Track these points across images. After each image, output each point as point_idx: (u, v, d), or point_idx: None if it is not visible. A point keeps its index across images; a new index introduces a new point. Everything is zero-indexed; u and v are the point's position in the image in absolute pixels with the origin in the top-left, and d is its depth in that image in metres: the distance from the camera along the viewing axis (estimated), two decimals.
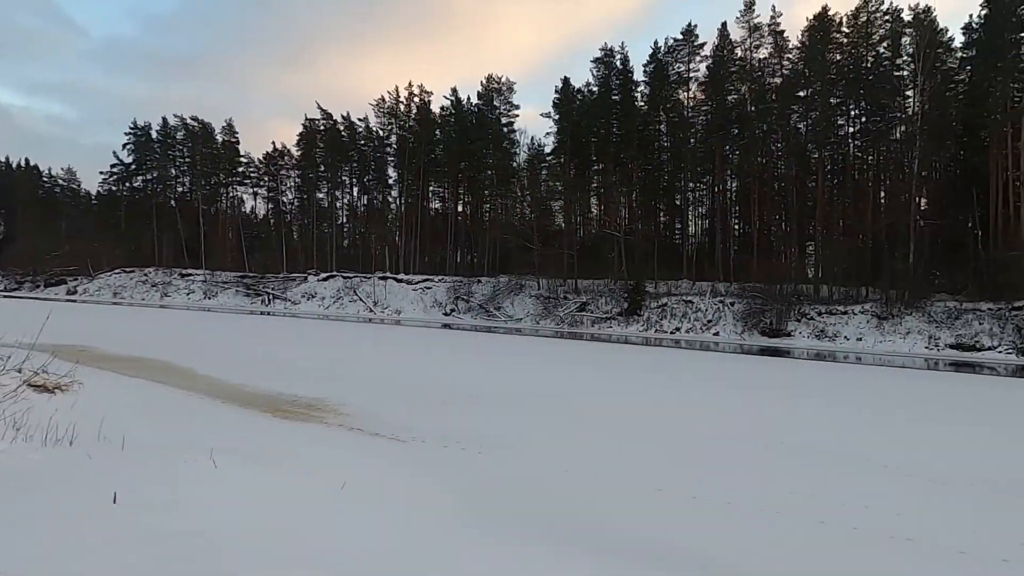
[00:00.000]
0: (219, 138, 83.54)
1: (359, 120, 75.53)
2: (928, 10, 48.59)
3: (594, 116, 62.14)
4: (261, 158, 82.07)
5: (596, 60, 63.71)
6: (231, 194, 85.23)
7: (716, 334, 46.28)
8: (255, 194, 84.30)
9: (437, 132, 72.18)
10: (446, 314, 58.18)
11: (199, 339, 25.61)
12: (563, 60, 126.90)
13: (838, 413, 13.31)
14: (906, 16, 49.74)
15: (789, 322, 44.84)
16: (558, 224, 64.10)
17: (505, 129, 69.91)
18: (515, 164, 69.88)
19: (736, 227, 60.90)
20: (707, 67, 58.13)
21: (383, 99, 73.61)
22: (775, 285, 46.58)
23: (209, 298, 69.33)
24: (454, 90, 71.23)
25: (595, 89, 64.03)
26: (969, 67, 48.66)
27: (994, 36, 45.07)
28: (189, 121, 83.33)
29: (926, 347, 39.52)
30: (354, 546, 4.13)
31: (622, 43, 68.91)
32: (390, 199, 77.19)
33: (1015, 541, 5.36)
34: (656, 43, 60.40)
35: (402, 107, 73.28)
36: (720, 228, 56.94)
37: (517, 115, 70.32)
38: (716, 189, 59.68)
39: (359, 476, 6.50)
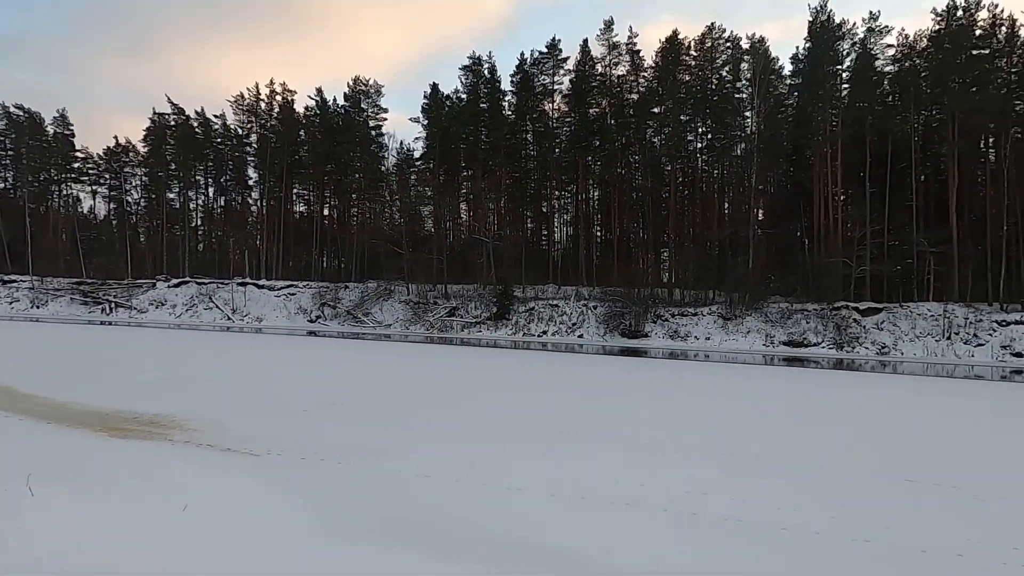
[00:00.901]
0: (50, 130, 75.05)
1: (215, 117, 71.00)
2: (762, 40, 53.75)
3: (463, 123, 62.66)
4: (101, 153, 74.73)
5: (464, 68, 64.35)
6: (65, 192, 76.83)
7: (581, 336, 48.20)
8: (94, 193, 76.56)
9: (301, 133, 69.48)
10: (311, 321, 56.05)
11: (21, 352, 22.84)
12: (431, 66, 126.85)
13: (694, 408, 14.35)
14: (744, 44, 54.70)
15: (647, 323, 47.65)
16: (428, 229, 63.89)
17: (373, 132, 68.67)
18: (384, 168, 68.82)
19: (598, 234, 63.77)
20: (570, 80, 60.52)
21: (242, 96, 69.72)
22: (634, 289, 49.30)
23: (37, 307, 62.02)
24: (319, 90, 68.97)
25: (464, 96, 64.60)
26: (796, 93, 54.37)
27: (815, 68, 50.69)
28: (13, 109, 74.16)
29: (763, 344, 43.57)
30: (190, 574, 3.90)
31: (490, 53, 69.82)
32: (250, 201, 73.17)
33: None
34: (522, 55, 62.08)
35: (263, 105, 69.80)
36: (583, 235, 59.40)
37: (385, 119, 69.39)
38: (580, 197, 62.21)
39: (204, 497, 6.13)
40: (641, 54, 58.38)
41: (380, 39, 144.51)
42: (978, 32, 48.46)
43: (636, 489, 6.93)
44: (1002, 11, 48.80)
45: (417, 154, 67.20)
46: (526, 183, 63.78)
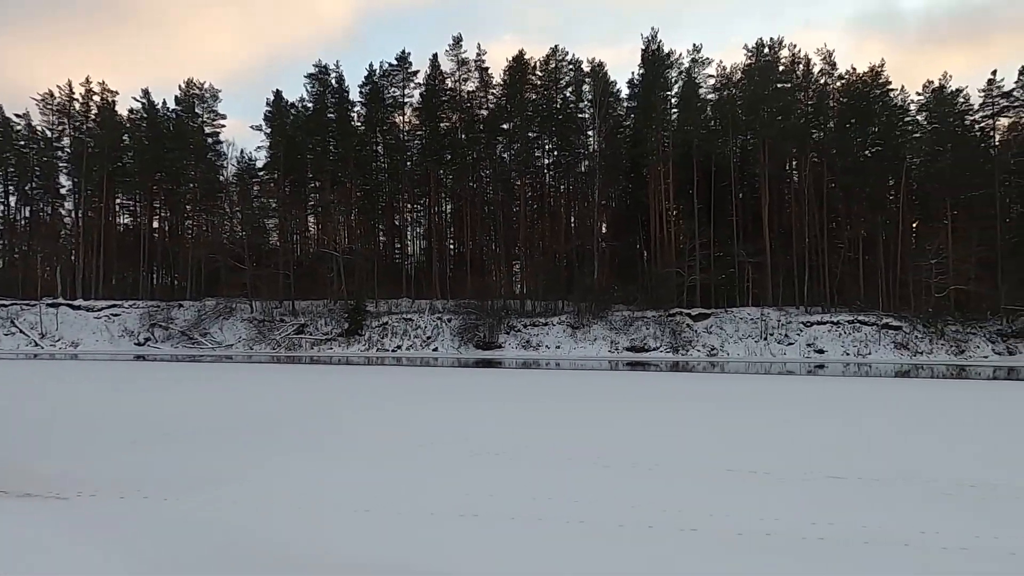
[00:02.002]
0: None
1: (16, 116, 62.61)
2: (602, 65, 57.18)
3: (310, 133, 60.47)
4: None
5: (310, 76, 62.21)
6: None
7: (435, 349, 48.08)
8: None
9: (126, 137, 63.31)
10: (139, 344, 51.03)
11: None
12: (272, 73, 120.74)
13: (545, 416, 14.77)
14: (585, 67, 57.85)
15: (500, 334, 48.58)
16: (273, 243, 60.71)
17: (210, 140, 64.19)
18: (222, 178, 64.54)
19: (452, 247, 64.15)
20: (421, 94, 60.55)
21: (51, 94, 62.13)
22: (487, 301, 50.11)
23: None
24: (146, 92, 63.17)
25: (310, 105, 62.40)
26: (633, 115, 58.39)
27: (648, 93, 54.81)
28: None
29: (609, 351, 46.05)
30: None
31: (337, 62, 68.23)
32: (63, 212, 65.32)
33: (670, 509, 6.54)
34: (371, 66, 61.19)
35: (77, 105, 62.70)
36: (437, 248, 59.47)
37: (223, 125, 65.12)
38: (433, 210, 62.26)
39: None
40: (489, 71, 59.83)
41: (215, 41, 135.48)
42: (781, 68, 55.02)
43: (484, 499, 7.00)
44: (800, 51, 55.89)
45: (260, 164, 63.83)
46: (377, 196, 62.76)
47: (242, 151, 64.96)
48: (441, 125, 60.39)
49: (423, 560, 5.32)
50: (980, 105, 53.94)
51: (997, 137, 54.56)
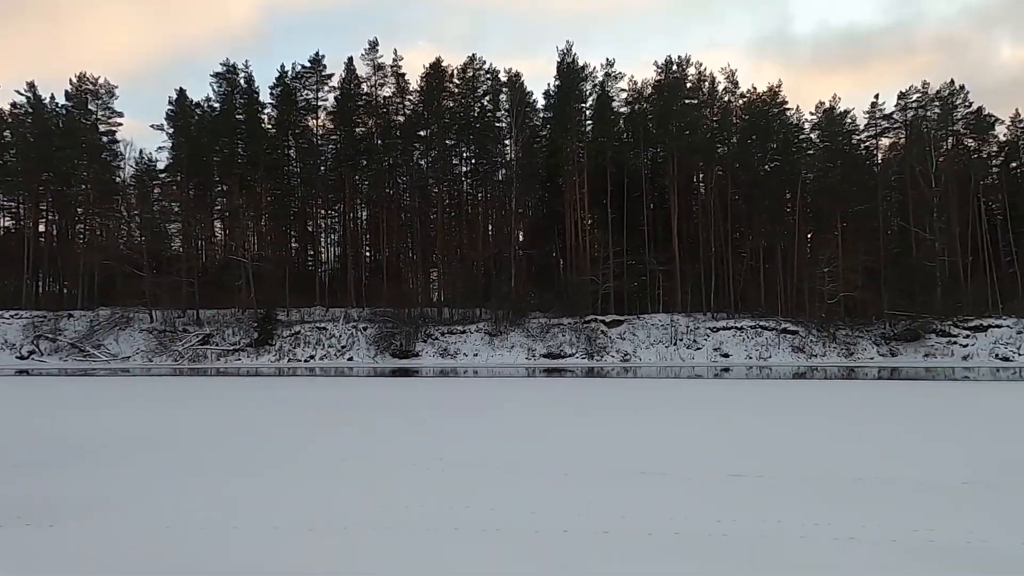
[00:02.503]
0: None
1: None
2: (518, 75, 57.92)
3: (216, 134, 57.89)
4: None
5: (217, 75, 59.59)
6: None
7: (351, 359, 46.97)
8: None
9: (7, 134, 58.46)
10: (22, 357, 47.06)
11: None
12: (174, 70, 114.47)
13: (465, 427, 14.70)
14: (503, 77, 58.41)
15: (417, 343, 48.06)
16: (176, 249, 57.54)
17: (105, 138, 60.30)
18: (119, 179, 60.73)
19: (367, 254, 63.03)
20: (335, 98, 59.29)
21: None
22: (404, 309, 49.45)
23: None
24: (31, 85, 58.58)
25: (217, 106, 59.78)
26: (549, 126, 59.42)
27: (564, 104, 55.96)
28: None
29: (526, 358, 46.46)
30: None
31: (246, 62, 65.61)
32: None
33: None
34: (283, 67, 59.38)
35: None
36: (352, 255, 58.23)
37: (120, 124, 61.30)
38: (348, 217, 60.96)
39: None
40: (406, 77, 59.37)
41: (112, 36, 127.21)
42: (689, 85, 57.56)
43: (400, 511, 6.89)
44: (706, 69, 58.67)
45: (161, 165, 60.45)
46: (289, 201, 60.82)
47: (141, 151, 61.16)
48: (357, 130, 59.34)
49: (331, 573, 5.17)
50: (865, 126, 58.46)
51: (880, 156, 59.28)
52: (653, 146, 57.28)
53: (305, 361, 46.53)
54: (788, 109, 57.02)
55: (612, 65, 57.64)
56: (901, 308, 47.05)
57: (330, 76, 59.66)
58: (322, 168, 59.31)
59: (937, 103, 56.32)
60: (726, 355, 46.48)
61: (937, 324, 46.70)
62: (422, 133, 57.93)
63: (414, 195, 57.05)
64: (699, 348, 47.32)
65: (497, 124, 58.31)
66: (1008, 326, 46.11)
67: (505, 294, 50.31)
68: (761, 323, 48.33)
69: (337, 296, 55.36)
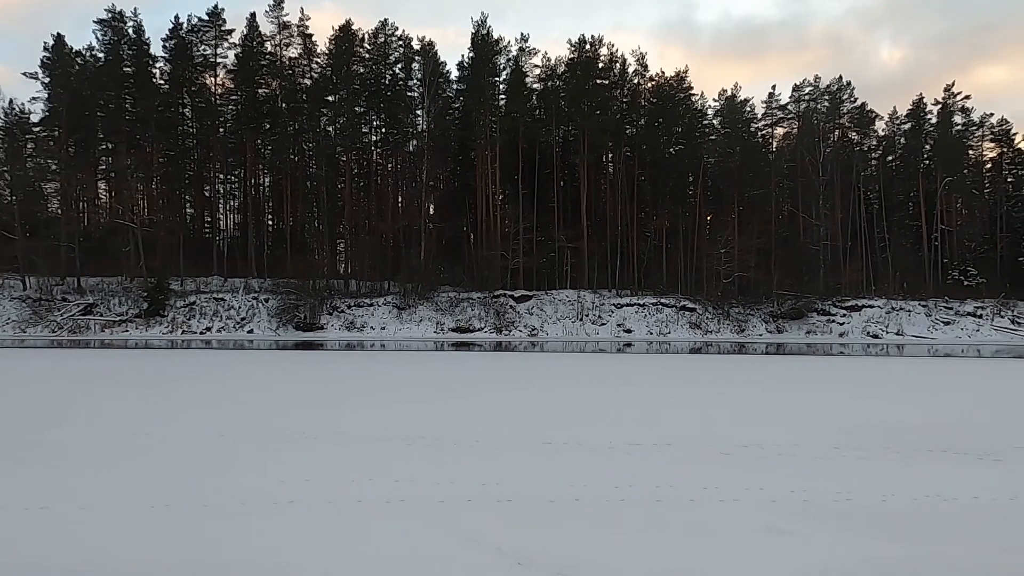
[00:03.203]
0: None
1: None
2: (432, 44, 56.72)
3: (100, 87, 53.28)
4: None
5: (102, 22, 54.69)
6: None
7: (251, 332, 45.13)
8: None
9: None
10: None
11: None
12: (50, 12, 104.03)
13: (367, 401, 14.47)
14: (416, 45, 57.02)
15: (322, 316, 46.80)
16: (53, 210, 52.89)
17: None
18: None
19: (270, 223, 60.42)
20: (236, 56, 55.92)
21: None
22: (309, 281, 47.89)
23: None
24: None
25: (101, 56, 54.98)
26: (462, 98, 58.68)
27: (478, 77, 55.38)
28: None
29: (435, 331, 46.31)
30: None
31: (135, 9, 60.60)
32: None
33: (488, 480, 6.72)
34: (177, 18, 55.39)
35: None
36: (253, 223, 55.64)
37: None
38: (249, 183, 58.07)
39: None
40: (314, 39, 56.80)
41: None
42: (600, 66, 58.33)
43: (301, 485, 6.73)
44: (617, 50, 59.59)
45: (36, 118, 55.01)
46: (184, 163, 57.16)
47: (11, 102, 55.34)
48: (259, 91, 56.35)
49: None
50: (762, 115, 61.50)
51: (774, 144, 62.65)
52: (565, 124, 57.87)
53: (201, 333, 44.31)
54: (693, 95, 59.10)
55: (526, 40, 57.53)
56: (788, 288, 50.38)
57: (230, 32, 56.21)
58: (221, 130, 56.00)
59: (827, 97, 60.01)
60: (629, 331, 48.20)
61: (819, 304, 50.40)
62: (330, 98, 55.77)
63: (321, 163, 55.01)
64: (604, 324, 48.78)
65: (409, 93, 57.00)
66: (879, 307, 50.43)
67: (414, 267, 49.75)
68: (662, 300, 50.38)
69: (237, 266, 52.86)
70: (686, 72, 58.61)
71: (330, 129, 57.02)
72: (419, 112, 56.31)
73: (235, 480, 6.99)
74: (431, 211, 58.17)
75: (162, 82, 55.63)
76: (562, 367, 24.52)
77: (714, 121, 60.07)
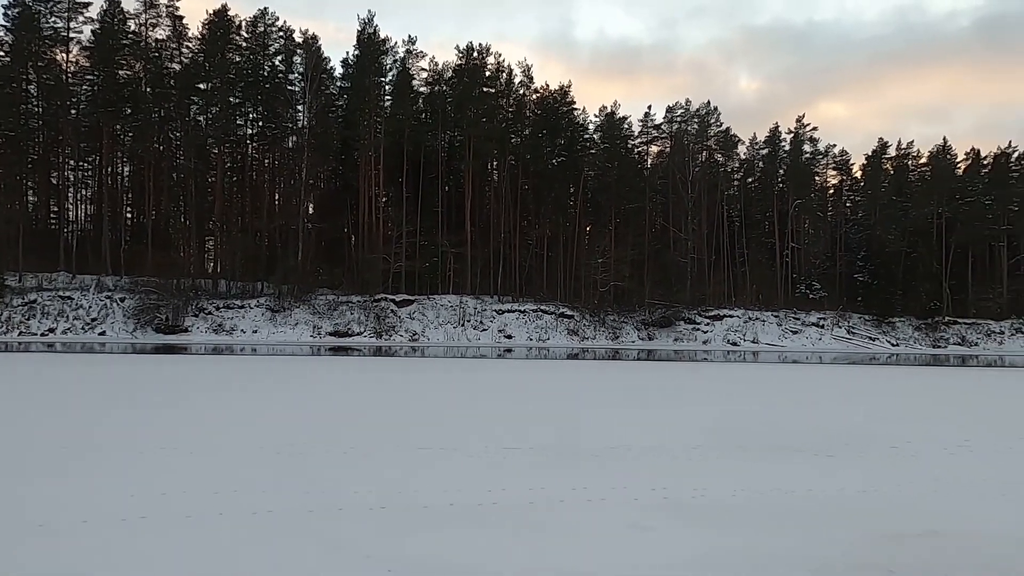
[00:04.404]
0: None
1: None
2: (315, 37, 54.93)
3: None
4: None
5: None
6: None
7: (103, 333, 41.38)
8: None
9: None
10: None
11: None
12: None
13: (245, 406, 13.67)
14: (297, 38, 54.99)
15: (187, 317, 43.79)
16: None
17: None
18: None
19: (129, 216, 55.74)
20: (94, 31, 51.24)
21: None
22: (172, 280, 44.69)
23: None
24: None
25: None
26: (346, 96, 57.24)
27: (363, 75, 54.26)
28: None
29: (311, 336, 44.67)
30: None
31: None
32: None
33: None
34: None
35: None
36: (109, 216, 51.07)
37: None
38: (105, 171, 53.27)
39: None
40: (184, 21, 53.27)
41: None
42: (488, 74, 59.05)
43: (156, 499, 6.26)
44: (504, 60, 60.66)
45: None
46: (28, 146, 51.50)
47: None
48: (120, 73, 51.96)
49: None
50: (639, 132, 64.81)
51: (649, 161, 66.21)
52: (451, 129, 57.97)
53: (42, 335, 40.04)
54: (576, 109, 61.22)
55: (414, 43, 57.22)
56: (659, 298, 53.33)
57: (87, 5, 51.48)
58: (73, 112, 51.01)
59: (696, 120, 64.26)
60: (509, 336, 48.96)
61: (686, 313, 53.73)
62: (202, 86, 52.44)
63: (189, 154, 51.51)
64: (485, 329, 49.24)
65: (290, 87, 54.78)
66: (737, 316, 54.56)
67: (291, 268, 47.81)
68: (542, 307, 51.65)
69: (88, 261, 48.26)
70: (569, 87, 60.69)
71: (201, 119, 53.61)
72: (300, 107, 54.27)
73: (79, 493, 6.39)
74: (310, 210, 56.17)
75: (2, 54, 49.91)
76: (441, 373, 24.47)
77: (594, 136, 62.50)
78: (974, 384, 24.00)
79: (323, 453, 8.55)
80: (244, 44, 54.14)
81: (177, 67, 52.71)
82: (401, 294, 49.86)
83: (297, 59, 54.85)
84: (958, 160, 67.85)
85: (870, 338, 55.50)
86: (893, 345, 54.60)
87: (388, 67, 56.76)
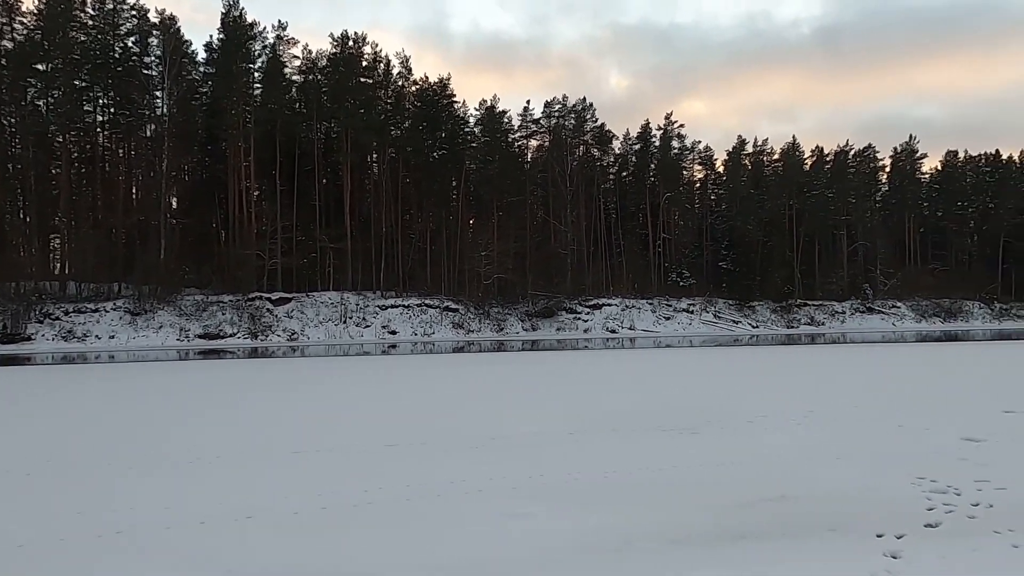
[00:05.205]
0: None
1: None
2: (174, 18, 50.95)
3: None
4: None
5: None
6: None
7: None
8: None
9: None
10: None
11: None
12: None
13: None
14: (153, 18, 50.82)
15: (29, 324, 39.47)
16: None
17: None
18: None
19: None
20: None
21: None
22: (10, 283, 40.07)
23: None
24: None
25: None
26: (211, 83, 53.66)
27: (229, 61, 51.10)
28: None
29: (178, 339, 41.68)
30: None
31: None
32: None
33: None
34: None
35: None
36: None
37: None
38: None
39: None
40: None
41: None
42: (364, 64, 57.49)
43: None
44: (382, 50, 59.28)
45: None
46: None
47: None
48: None
49: None
50: (519, 126, 65.70)
51: (529, 155, 67.33)
52: (328, 120, 55.97)
53: None
54: (456, 102, 60.98)
55: (285, 28, 54.55)
56: (541, 289, 54.50)
57: None
58: None
59: (573, 115, 66.06)
60: (394, 332, 48.19)
61: (567, 303, 55.29)
62: (41, 67, 47.20)
63: (28, 143, 46.22)
64: (368, 326, 48.15)
65: (145, 71, 50.51)
66: (615, 305, 56.88)
67: (152, 266, 44.28)
68: (426, 301, 51.24)
69: None
70: (449, 79, 60.29)
71: (40, 103, 48.32)
72: (158, 94, 50.21)
73: None
74: (173, 205, 52.27)
75: None
76: (321, 371, 23.66)
77: (475, 129, 62.62)
78: (820, 359, 26.50)
79: (186, 464, 8.00)
80: (91, 23, 49.25)
81: (9, 44, 47.04)
82: (277, 292, 47.64)
83: (154, 40, 50.64)
84: (805, 157, 74.43)
85: (734, 321, 59.77)
86: (754, 327, 59.14)
87: (257, 53, 53.80)
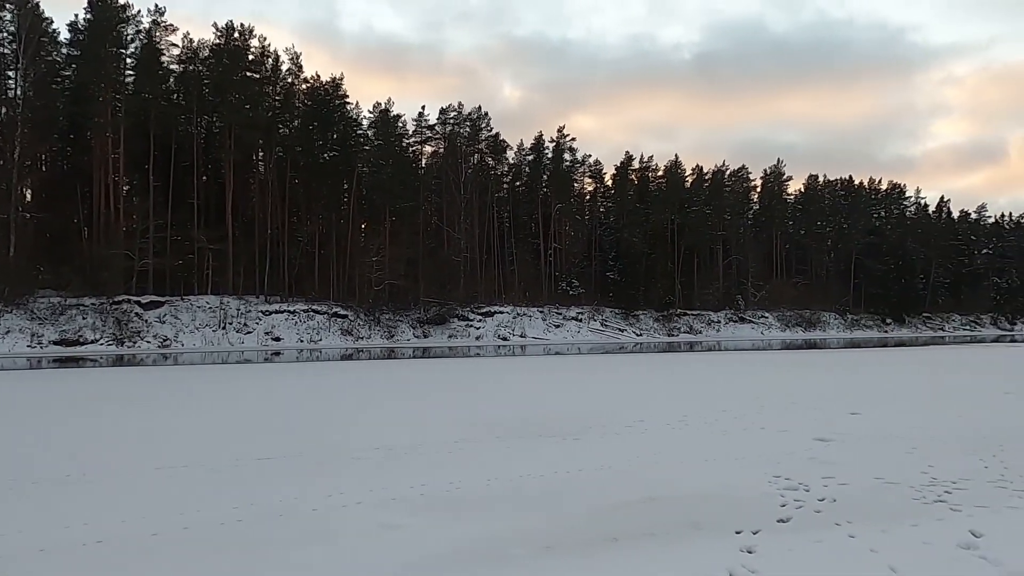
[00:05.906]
0: None
1: None
2: None
3: None
4: None
5: None
6: None
7: None
8: None
9: None
10: None
11: None
12: None
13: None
14: None
15: None
16: None
17: None
18: None
19: None
20: None
21: None
22: None
23: None
24: None
25: None
26: (75, 66, 49.31)
27: (97, 44, 47.19)
28: None
29: (29, 346, 37.81)
30: None
31: None
32: None
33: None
34: None
35: None
36: None
37: None
38: None
39: None
40: None
41: None
42: (251, 57, 54.95)
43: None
44: (270, 45, 56.88)
45: None
46: None
47: None
48: None
49: None
50: (413, 132, 65.18)
51: (424, 161, 66.95)
52: (209, 114, 52.96)
53: None
54: (348, 103, 59.55)
55: (162, 13, 51.15)
56: (433, 296, 54.19)
57: None
58: None
59: (468, 123, 66.41)
60: (278, 339, 46.22)
61: (459, 310, 55.32)
62: None
63: None
64: (250, 332, 45.91)
65: None
66: (507, 312, 57.59)
67: (1, 266, 39.94)
68: (314, 307, 49.57)
69: None
70: (342, 79, 58.81)
71: None
72: (11, 74, 45.48)
73: None
74: (27, 198, 47.48)
75: None
76: (195, 380, 22.25)
77: (368, 132, 61.45)
78: (696, 366, 28.10)
79: (30, 484, 7.24)
80: None
81: None
82: (148, 295, 44.34)
83: (7, 15, 45.85)
84: (686, 174, 78.97)
85: (620, 329, 62.18)
86: (638, 335, 61.80)
87: (130, 38, 50.02)
